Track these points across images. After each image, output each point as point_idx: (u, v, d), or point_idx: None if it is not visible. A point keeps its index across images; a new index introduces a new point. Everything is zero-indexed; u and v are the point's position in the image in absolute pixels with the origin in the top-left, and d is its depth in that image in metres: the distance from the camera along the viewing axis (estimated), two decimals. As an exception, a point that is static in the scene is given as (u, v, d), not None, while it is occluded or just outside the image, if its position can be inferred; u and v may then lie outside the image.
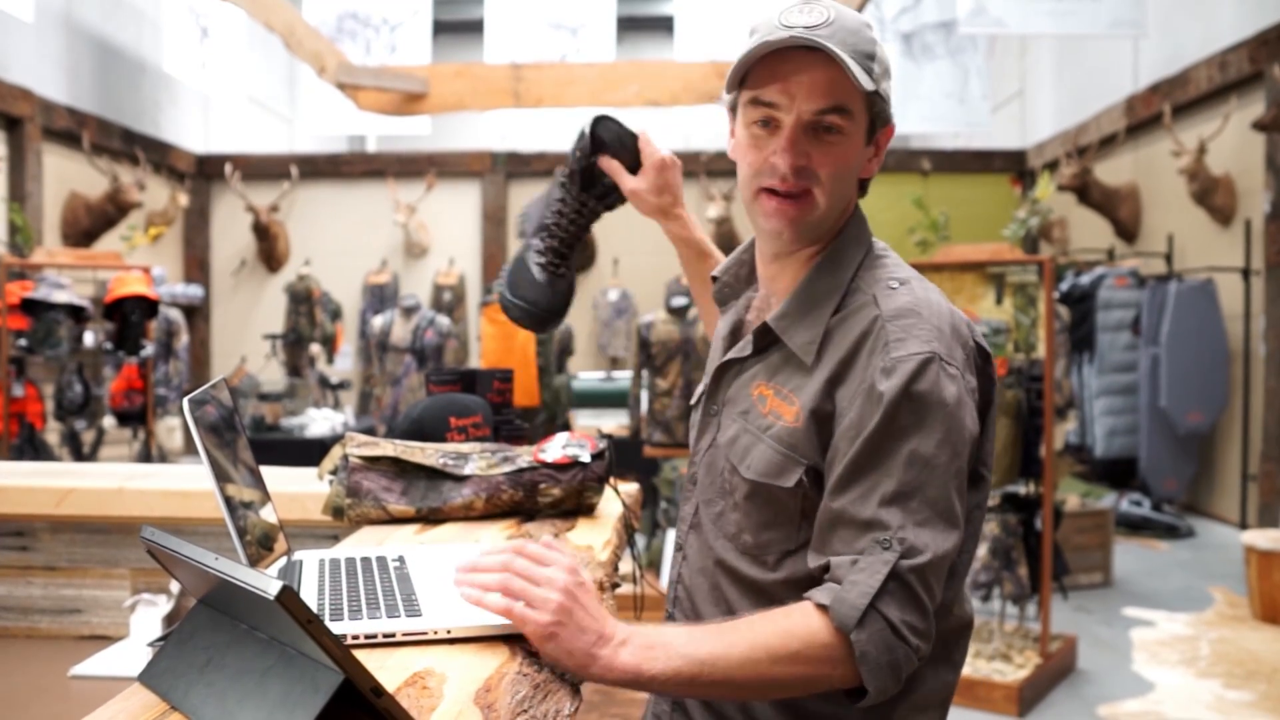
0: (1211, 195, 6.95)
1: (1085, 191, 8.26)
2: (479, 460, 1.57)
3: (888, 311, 1.08)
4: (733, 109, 1.17)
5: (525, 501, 1.56)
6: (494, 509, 1.56)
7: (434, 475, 1.56)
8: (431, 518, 1.55)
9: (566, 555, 1.01)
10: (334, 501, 1.54)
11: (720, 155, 9.54)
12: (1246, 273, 6.66)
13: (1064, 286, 7.30)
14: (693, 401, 1.31)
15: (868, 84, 1.07)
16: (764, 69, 1.10)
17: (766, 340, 1.16)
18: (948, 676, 1.16)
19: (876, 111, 1.13)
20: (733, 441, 1.16)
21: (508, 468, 1.56)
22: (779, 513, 1.11)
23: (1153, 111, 7.78)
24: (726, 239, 9.57)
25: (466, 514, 1.55)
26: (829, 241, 1.17)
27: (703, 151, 10.01)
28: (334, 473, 1.57)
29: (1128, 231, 8.38)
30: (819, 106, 1.09)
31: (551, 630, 0.94)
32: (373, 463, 1.55)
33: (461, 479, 1.56)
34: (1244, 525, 6.55)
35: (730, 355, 1.20)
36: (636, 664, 0.95)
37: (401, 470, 1.56)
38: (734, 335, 1.25)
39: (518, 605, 0.96)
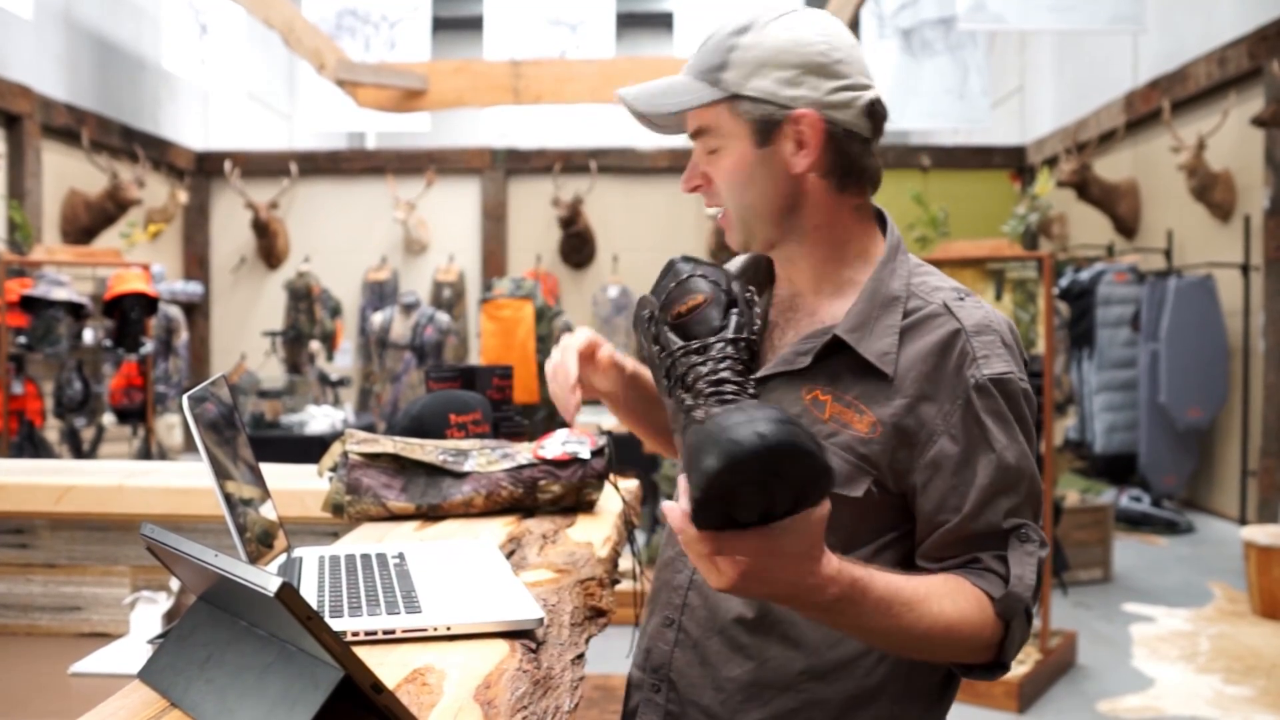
0: (1211, 191, 6.95)
1: (1085, 187, 8.26)
2: (479, 457, 1.57)
3: (970, 326, 1.09)
4: None
5: (525, 498, 1.56)
6: (494, 505, 1.56)
7: (434, 472, 1.56)
8: (431, 514, 1.55)
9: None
10: (334, 498, 1.54)
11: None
12: (1246, 268, 6.66)
13: (1063, 282, 7.30)
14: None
15: (708, 96, 1.10)
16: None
17: (830, 352, 1.11)
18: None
19: (752, 113, 1.10)
20: None
21: (507, 464, 1.56)
22: (858, 525, 1.10)
23: (1152, 107, 7.78)
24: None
25: (466, 510, 1.55)
26: (828, 234, 1.14)
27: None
28: (334, 469, 1.57)
29: (1127, 227, 8.38)
30: (691, 133, 1.15)
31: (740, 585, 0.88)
32: (372, 459, 1.55)
33: (461, 476, 1.56)
34: (1243, 521, 6.55)
35: (785, 368, 1.13)
36: (834, 616, 0.96)
37: (401, 467, 1.56)
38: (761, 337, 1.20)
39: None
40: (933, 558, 1.09)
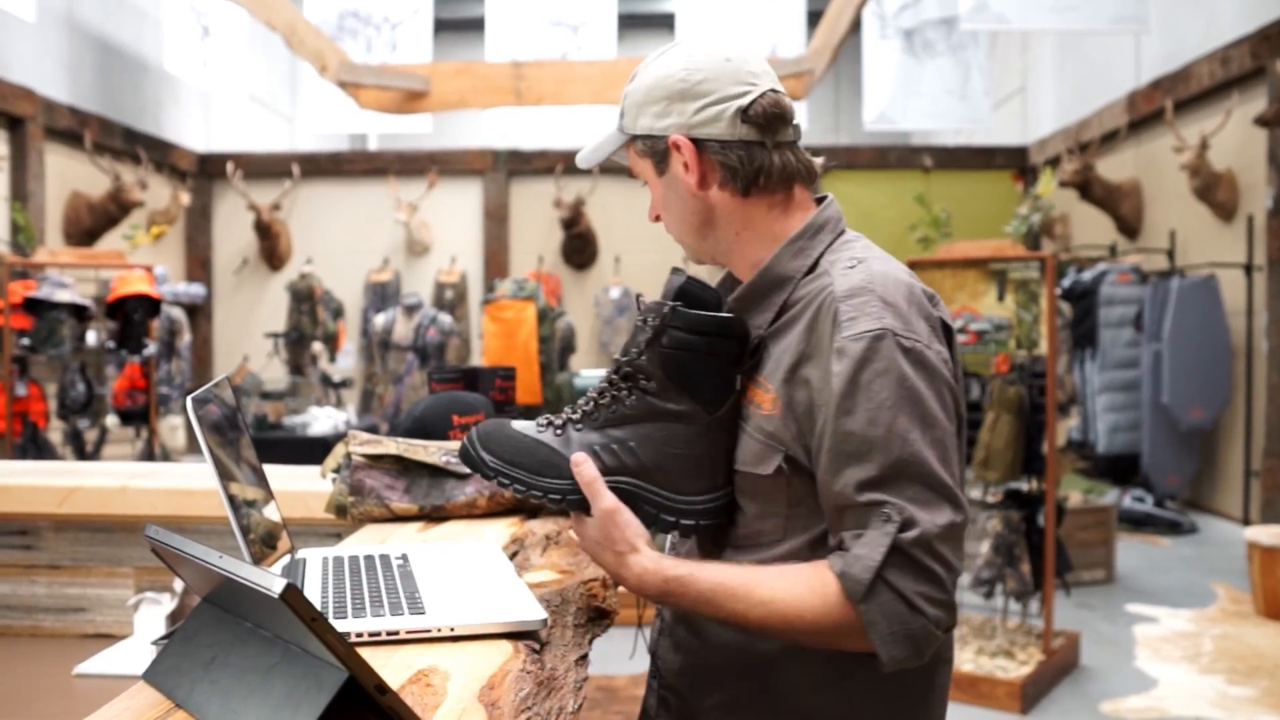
0: (1213, 191, 6.95)
1: (1087, 188, 8.25)
2: None
3: (841, 291, 1.09)
4: None
5: (525, 499, 1.56)
6: (496, 507, 1.56)
7: (436, 473, 1.56)
8: (434, 515, 1.56)
9: (605, 499, 1.11)
10: (337, 500, 1.54)
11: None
12: (1249, 268, 6.65)
13: (1066, 283, 7.29)
14: None
15: (619, 141, 1.23)
16: None
17: None
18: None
19: (643, 150, 1.21)
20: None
21: None
22: (766, 502, 1.14)
23: (1154, 107, 7.77)
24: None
25: (469, 512, 1.56)
26: (768, 244, 1.19)
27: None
28: (337, 471, 1.57)
29: (1130, 228, 8.37)
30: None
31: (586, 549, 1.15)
32: (375, 460, 1.55)
33: (464, 477, 1.56)
34: (1246, 521, 6.54)
35: None
36: (670, 603, 1.12)
37: (405, 468, 1.56)
38: None
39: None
40: (830, 530, 1.09)
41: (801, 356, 1.10)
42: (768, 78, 1.18)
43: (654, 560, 1.09)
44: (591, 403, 1.16)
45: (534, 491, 1.12)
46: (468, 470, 1.52)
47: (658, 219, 1.26)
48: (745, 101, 1.14)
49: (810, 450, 1.09)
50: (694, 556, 1.20)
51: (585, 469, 1.11)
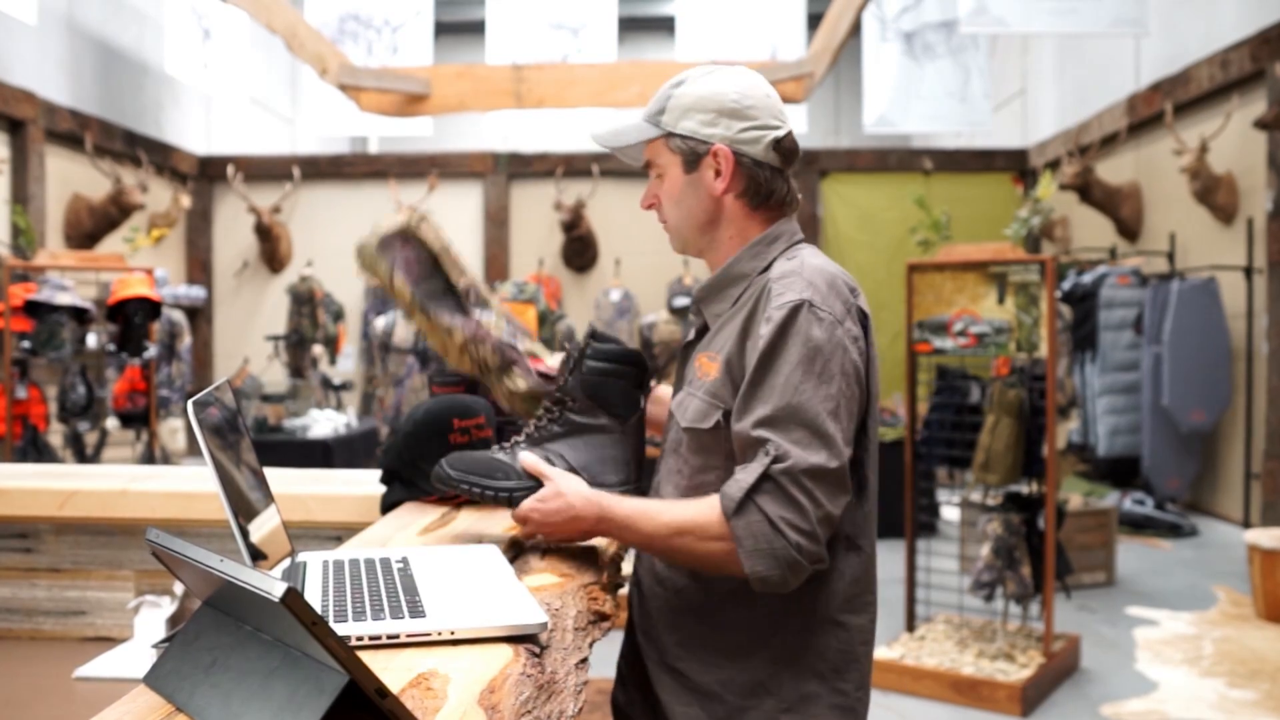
0: (1213, 194, 6.95)
1: (1087, 190, 8.25)
2: (496, 318, 1.59)
3: (775, 274, 1.34)
4: None
5: (489, 374, 1.58)
6: (464, 355, 1.56)
7: (449, 292, 1.58)
8: (420, 312, 1.55)
9: (554, 473, 1.38)
10: (367, 242, 1.55)
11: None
12: (1249, 271, 6.65)
13: (1066, 285, 7.29)
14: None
15: (651, 133, 1.40)
16: None
17: (701, 317, 1.45)
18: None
19: (681, 148, 1.39)
20: (679, 404, 1.42)
21: (506, 336, 1.59)
22: (709, 456, 1.36)
23: (1154, 110, 7.78)
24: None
25: (443, 339, 1.55)
26: (739, 245, 1.42)
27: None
28: (387, 235, 1.58)
29: (1130, 230, 8.38)
30: (643, 165, 1.46)
31: (549, 538, 1.39)
32: (419, 245, 1.58)
33: (466, 312, 1.58)
34: (1247, 524, 6.54)
35: (686, 340, 1.50)
36: (608, 538, 1.38)
37: (433, 269, 1.58)
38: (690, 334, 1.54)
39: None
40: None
41: (744, 329, 1.33)
42: (789, 120, 1.42)
43: (594, 503, 1.34)
44: (533, 425, 1.48)
45: (488, 491, 1.39)
46: (474, 314, 1.59)
47: (651, 207, 1.47)
48: (780, 134, 1.38)
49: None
50: None
51: (531, 461, 1.40)
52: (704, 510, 1.27)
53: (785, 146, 1.39)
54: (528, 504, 1.37)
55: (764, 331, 1.28)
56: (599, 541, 1.47)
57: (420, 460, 1.75)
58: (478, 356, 1.55)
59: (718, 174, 1.38)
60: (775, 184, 1.40)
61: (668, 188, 1.42)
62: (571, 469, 1.44)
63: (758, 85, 1.41)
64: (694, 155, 1.39)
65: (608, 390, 1.46)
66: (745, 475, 1.24)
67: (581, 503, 1.34)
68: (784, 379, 1.25)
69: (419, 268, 1.55)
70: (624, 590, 1.57)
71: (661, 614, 1.42)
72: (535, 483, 1.43)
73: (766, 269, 1.38)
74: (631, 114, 1.47)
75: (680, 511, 1.29)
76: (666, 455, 1.46)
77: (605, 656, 1.58)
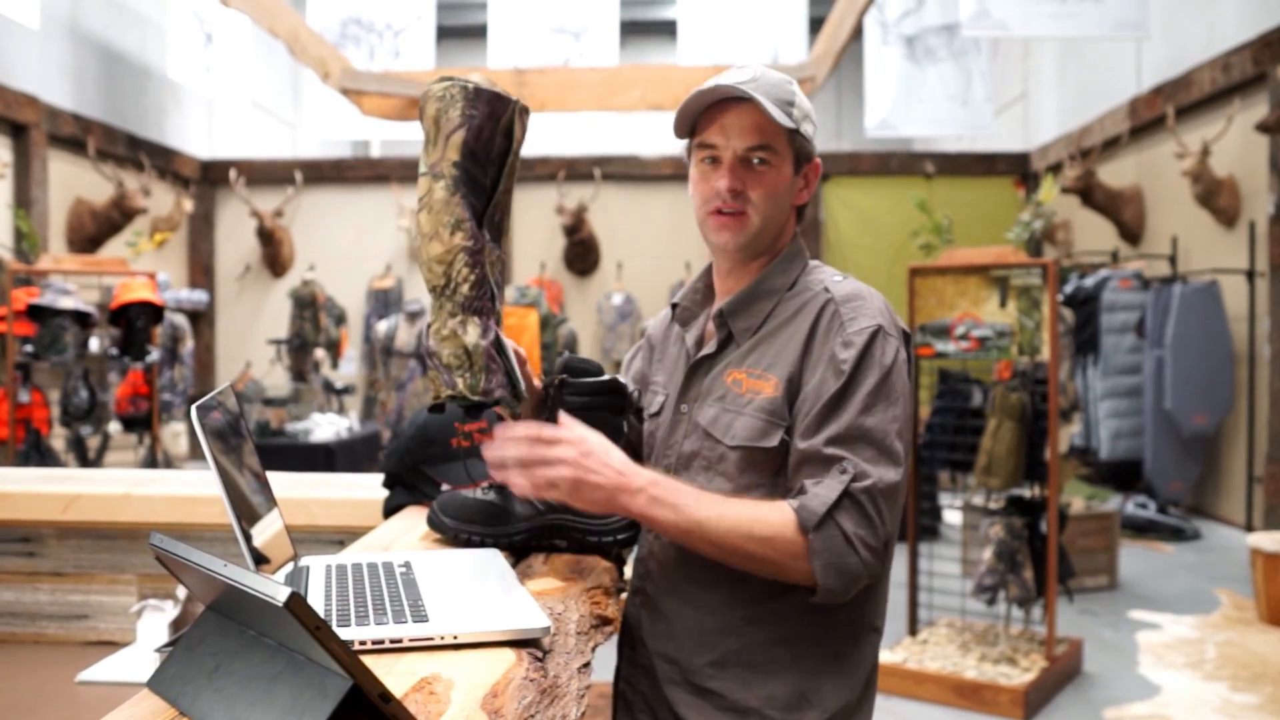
0: (1215, 197, 6.95)
1: (1089, 194, 8.25)
2: (493, 265, 1.34)
3: (839, 296, 1.34)
4: (688, 153, 1.44)
5: (444, 298, 1.32)
6: (445, 258, 1.32)
7: (486, 195, 1.38)
8: (446, 180, 1.35)
9: (573, 432, 1.23)
10: (460, 81, 1.35)
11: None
12: (1251, 274, 6.65)
13: (1068, 289, 7.29)
14: (652, 411, 1.50)
15: (787, 122, 1.33)
16: (706, 119, 1.38)
17: (725, 330, 1.41)
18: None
19: (798, 147, 1.38)
20: (713, 421, 1.37)
21: (494, 282, 1.35)
22: (761, 470, 1.33)
23: (1156, 113, 7.78)
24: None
25: (442, 221, 1.34)
26: (771, 257, 1.42)
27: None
28: (493, 91, 1.36)
29: (1132, 234, 8.37)
30: (749, 144, 1.35)
31: (572, 491, 1.21)
32: (505, 130, 1.37)
33: (481, 226, 1.36)
34: (1249, 527, 6.53)
35: (702, 353, 1.43)
36: (647, 512, 1.23)
37: (495, 158, 1.37)
38: (699, 345, 1.48)
39: (539, 480, 1.21)
40: (789, 484, 1.30)
41: (805, 347, 1.32)
42: None
43: (638, 469, 1.24)
44: None
45: (488, 540, 1.40)
46: (493, 241, 1.37)
47: (736, 192, 1.36)
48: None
49: (795, 418, 1.31)
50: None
51: (531, 429, 1.24)
52: (775, 516, 1.23)
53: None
54: (563, 452, 1.21)
55: (846, 355, 1.29)
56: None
57: (422, 464, 1.75)
58: (458, 271, 1.30)
59: (806, 184, 1.42)
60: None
61: (771, 182, 1.37)
62: (567, 508, 1.39)
63: None
64: (803, 156, 1.40)
65: (590, 422, 1.31)
66: (824, 491, 1.23)
67: (622, 462, 1.23)
68: (860, 400, 1.27)
69: (484, 145, 1.33)
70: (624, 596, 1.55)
71: (691, 634, 1.37)
72: (536, 526, 1.43)
73: (792, 286, 1.40)
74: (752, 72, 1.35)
75: (752, 512, 1.24)
76: (690, 476, 1.38)
77: (608, 661, 1.58)
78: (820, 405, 1.28)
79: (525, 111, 1.38)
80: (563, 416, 1.27)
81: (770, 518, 1.23)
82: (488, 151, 1.34)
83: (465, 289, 1.31)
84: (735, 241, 1.38)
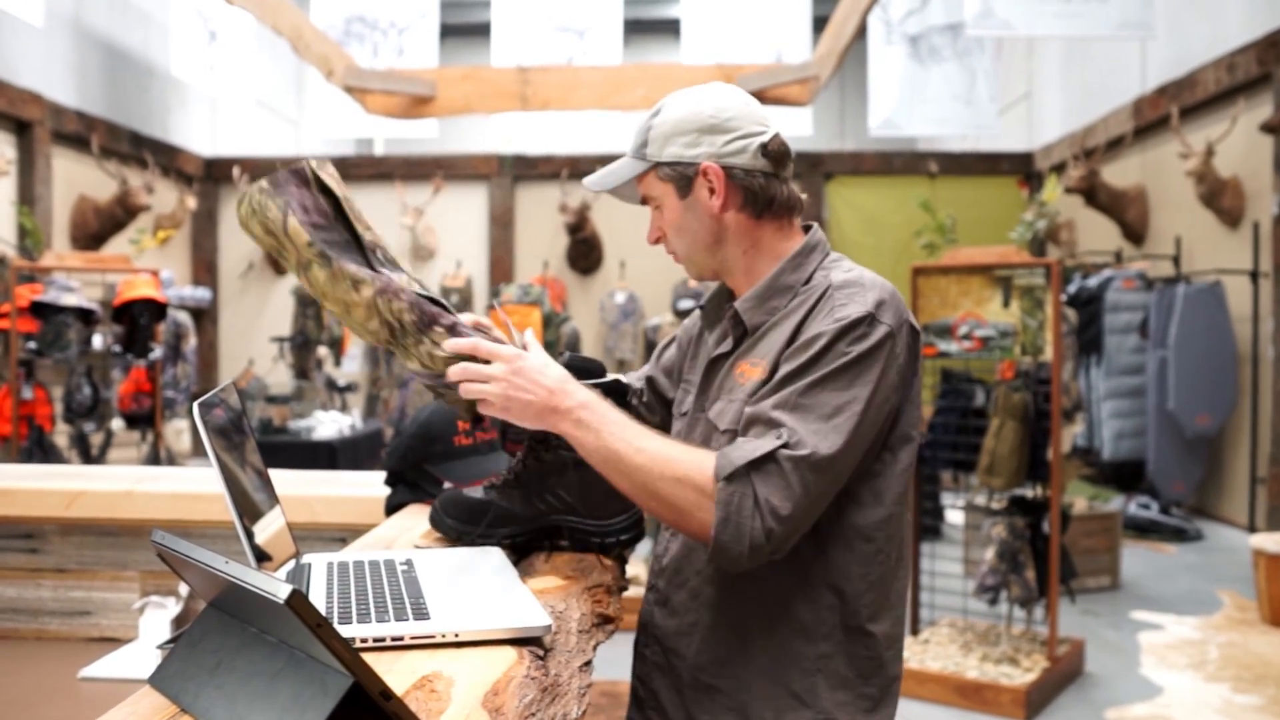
0: (1219, 197, 6.94)
1: (1093, 194, 8.24)
2: (407, 280, 1.35)
3: (837, 282, 1.33)
4: None
5: (404, 336, 1.32)
6: (372, 312, 1.30)
7: (355, 245, 1.34)
8: (319, 262, 1.30)
9: (509, 349, 1.28)
10: (254, 186, 1.31)
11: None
12: (1255, 275, 6.64)
13: (1071, 289, 7.28)
14: (682, 410, 1.49)
15: (642, 167, 1.39)
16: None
17: (740, 328, 1.40)
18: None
19: (673, 174, 1.37)
20: (720, 414, 1.38)
21: (419, 290, 1.34)
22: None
23: (1160, 113, 7.77)
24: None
25: (348, 291, 1.30)
26: (774, 259, 1.40)
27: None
28: (282, 173, 1.33)
29: (1135, 234, 8.36)
30: (641, 201, 1.45)
31: (501, 407, 1.27)
32: (318, 190, 1.33)
33: (374, 268, 1.33)
34: (1252, 528, 6.53)
35: (718, 351, 1.44)
36: (572, 434, 1.26)
37: (335, 218, 1.34)
38: (718, 344, 1.47)
39: (472, 394, 1.27)
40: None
41: (794, 334, 1.31)
42: (773, 123, 1.39)
43: (572, 387, 1.27)
44: (521, 464, 1.45)
45: (490, 539, 1.41)
46: (381, 270, 1.33)
47: (658, 241, 1.44)
48: (766, 138, 1.36)
49: None
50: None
51: (463, 345, 1.29)
52: (694, 459, 1.23)
53: (773, 150, 1.36)
54: (495, 369, 1.27)
55: (823, 332, 1.27)
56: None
57: (425, 462, 1.75)
58: (390, 313, 1.30)
59: (712, 192, 1.36)
60: (772, 189, 1.37)
61: (668, 218, 1.40)
62: (569, 506, 1.43)
63: (734, 96, 1.39)
64: (685, 179, 1.37)
65: None
66: (751, 447, 1.21)
67: (558, 380, 1.27)
68: (822, 374, 1.24)
69: (319, 215, 1.33)
70: (627, 594, 1.55)
71: (700, 631, 1.38)
72: (538, 526, 1.43)
73: (808, 280, 1.37)
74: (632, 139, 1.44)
75: (673, 452, 1.25)
76: None
77: (609, 659, 1.58)
78: (782, 375, 1.27)
79: (324, 162, 1.36)
80: (529, 340, 1.32)
81: (688, 459, 1.23)
82: (324, 216, 1.34)
83: (408, 318, 1.31)
84: (692, 276, 1.48)
